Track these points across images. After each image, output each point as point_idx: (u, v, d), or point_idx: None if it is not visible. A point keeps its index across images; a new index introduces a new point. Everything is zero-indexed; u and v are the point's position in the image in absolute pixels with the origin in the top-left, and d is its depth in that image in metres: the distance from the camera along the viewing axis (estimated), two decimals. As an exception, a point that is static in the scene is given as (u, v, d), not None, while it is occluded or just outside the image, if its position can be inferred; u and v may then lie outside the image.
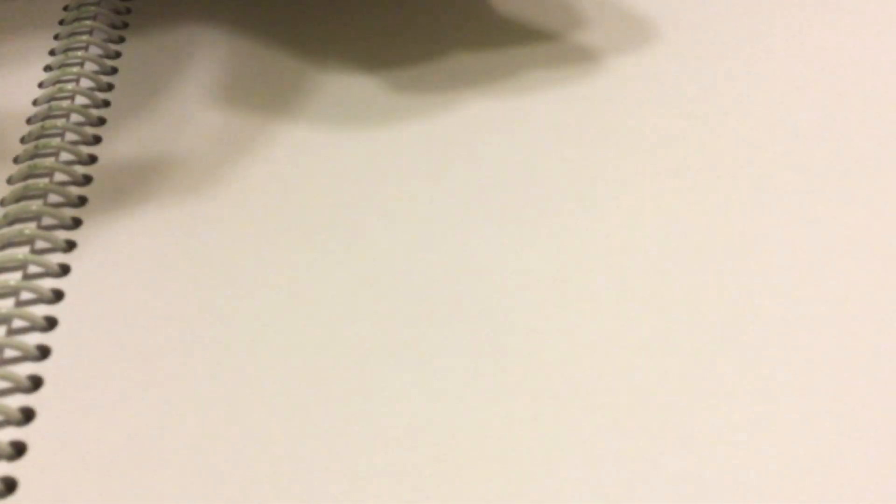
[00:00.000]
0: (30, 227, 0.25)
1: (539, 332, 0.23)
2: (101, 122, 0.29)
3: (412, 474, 0.20)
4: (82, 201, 0.26)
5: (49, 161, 0.27)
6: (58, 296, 0.24)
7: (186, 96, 0.30)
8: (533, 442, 0.20)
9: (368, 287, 0.24)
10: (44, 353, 0.22)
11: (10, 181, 0.27)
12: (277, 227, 0.25)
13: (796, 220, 0.25)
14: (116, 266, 0.24)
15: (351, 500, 0.19)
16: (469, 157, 0.27)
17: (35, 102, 0.29)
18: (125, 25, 0.32)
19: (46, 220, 0.25)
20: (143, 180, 0.27)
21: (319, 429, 0.21)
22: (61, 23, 0.32)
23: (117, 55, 0.31)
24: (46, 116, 0.28)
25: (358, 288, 0.24)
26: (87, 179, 0.27)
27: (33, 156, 0.27)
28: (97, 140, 0.28)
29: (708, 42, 0.31)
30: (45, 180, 0.26)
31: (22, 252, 0.25)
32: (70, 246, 0.25)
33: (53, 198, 0.26)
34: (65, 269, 0.24)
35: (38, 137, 0.28)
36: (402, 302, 0.23)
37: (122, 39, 0.32)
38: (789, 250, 0.25)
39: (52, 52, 0.31)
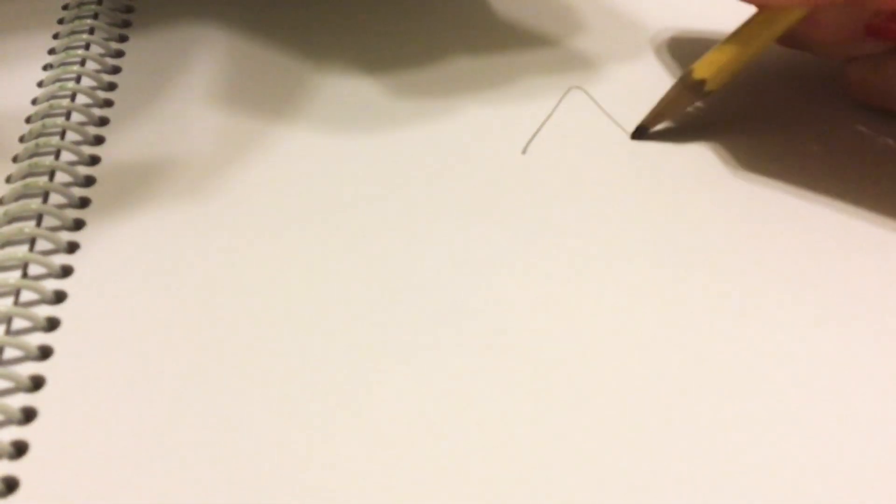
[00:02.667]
0: (29, 226, 0.25)
1: (535, 332, 0.23)
2: (104, 122, 0.28)
3: (409, 474, 0.20)
4: (85, 203, 0.26)
5: (48, 160, 0.27)
6: (60, 297, 0.23)
7: (190, 96, 0.29)
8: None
9: (366, 286, 0.24)
10: (45, 353, 0.22)
11: (9, 180, 0.26)
12: (278, 228, 0.25)
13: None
14: (119, 267, 0.24)
15: (350, 499, 0.20)
16: (467, 160, 0.27)
17: (34, 102, 0.29)
18: (127, 24, 0.32)
19: (49, 221, 0.25)
20: (146, 181, 0.27)
21: (319, 428, 0.21)
22: (61, 22, 0.32)
23: (120, 54, 0.31)
24: (46, 115, 0.28)
25: (356, 287, 0.24)
26: (89, 181, 0.27)
27: (32, 154, 0.27)
28: (100, 140, 0.28)
29: (702, 45, 0.32)
30: (45, 179, 0.26)
31: (22, 251, 0.24)
32: (73, 248, 0.25)
33: (56, 199, 0.26)
34: (67, 271, 0.24)
35: (38, 136, 0.27)
36: (400, 302, 0.23)
37: (124, 38, 0.32)
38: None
39: (51, 52, 0.31)
